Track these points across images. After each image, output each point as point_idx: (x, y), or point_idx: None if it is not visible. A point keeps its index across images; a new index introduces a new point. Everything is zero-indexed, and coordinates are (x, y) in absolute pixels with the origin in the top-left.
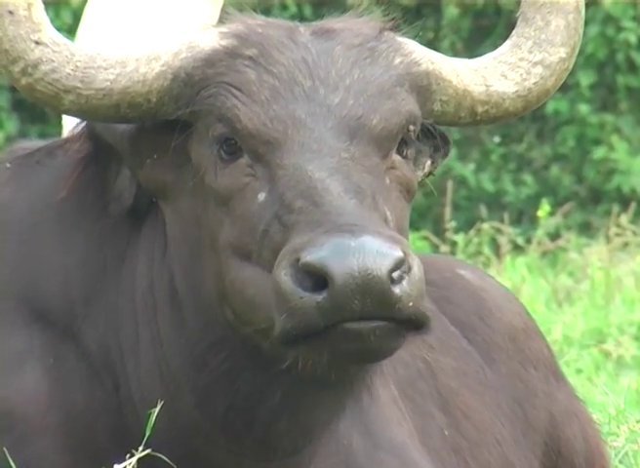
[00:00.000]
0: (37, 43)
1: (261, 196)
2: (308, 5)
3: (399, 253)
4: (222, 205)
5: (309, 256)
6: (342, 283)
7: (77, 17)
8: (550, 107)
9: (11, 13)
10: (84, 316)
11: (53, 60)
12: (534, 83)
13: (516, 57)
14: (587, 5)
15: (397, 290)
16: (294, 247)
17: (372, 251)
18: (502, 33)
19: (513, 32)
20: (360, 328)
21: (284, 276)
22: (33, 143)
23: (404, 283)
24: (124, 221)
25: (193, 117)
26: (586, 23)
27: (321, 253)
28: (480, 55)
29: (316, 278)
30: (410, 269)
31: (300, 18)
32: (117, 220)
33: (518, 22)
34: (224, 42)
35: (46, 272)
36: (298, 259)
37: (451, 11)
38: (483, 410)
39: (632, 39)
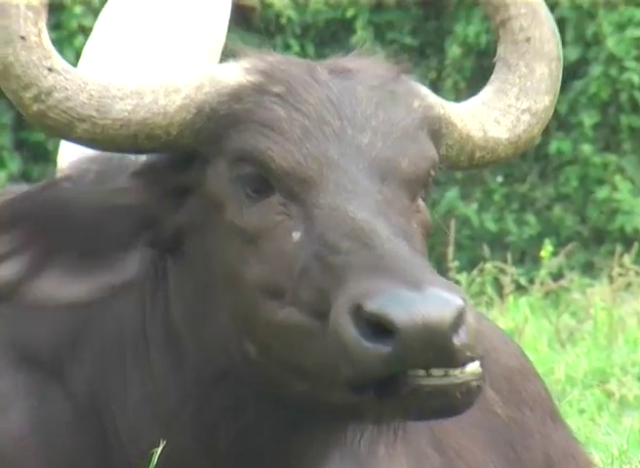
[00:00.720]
0: (50, 70)
1: (296, 235)
2: (311, 44)
3: (460, 302)
4: (249, 242)
5: (373, 306)
6: (408, 334)
7: (80, 56)
8: (553, 147)
9: (23, 38)
10: (71, 359)
11: (66, 88)
12: (523, 130)
13: (504, 103)
14: (591, 45)
15: (457, 339)
16: (353, 294)
17: (436, 300)
18: None
19: (494, 77)
20: (445, 384)
21: (346, 325)
22: (22, 188)
23: (462, 332)
24: None
25: (214, 152)
26: (590, 63)
27: (385, 302)
28: None
29: (379, 327)
30: (467, 317)
31: (304, 56)
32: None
33: (498, 67)
34: (251, 78)
35: (34, 316)
36: (359, 307)
37: (454, 50)
38: (476, 451)
39: (635, 79)
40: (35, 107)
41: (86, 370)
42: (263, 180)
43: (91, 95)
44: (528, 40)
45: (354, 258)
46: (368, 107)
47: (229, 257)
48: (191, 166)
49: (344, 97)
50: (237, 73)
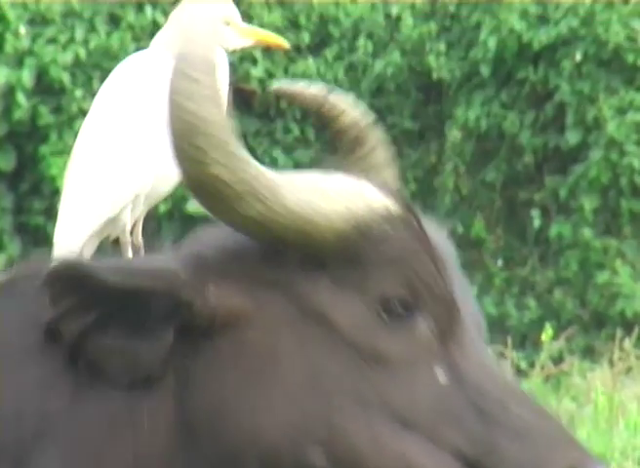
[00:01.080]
0: (239, 144)
1: (439, 371)
2: (311, 128)
3: None
4: (376, 362)
5: None
6: None
7: None
8: (554, 231)
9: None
10: (37, 449)
11: (254, 164)
12: None
13: None
14: (591, 129)
15: None
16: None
17: None
18: (505, 156)
19: None
20: None
21: None
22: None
23: None
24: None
25: (345, 264)
26: (590, 148)
27: None
28: (483, 179)
29: None
30: None
31: (304, 141)
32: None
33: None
34: (393, 205)
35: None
36: None
37: (454, 134)
38: None
39: (636, 164)
40: (216, 170)
41: (54, 462)
42: (408, 305)
43: (268, 177)
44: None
45: (535, 423)
46: (457, 267)
47: (329, 369)
48: (287, 262)
49: (451, 252)
50: (378, 195)
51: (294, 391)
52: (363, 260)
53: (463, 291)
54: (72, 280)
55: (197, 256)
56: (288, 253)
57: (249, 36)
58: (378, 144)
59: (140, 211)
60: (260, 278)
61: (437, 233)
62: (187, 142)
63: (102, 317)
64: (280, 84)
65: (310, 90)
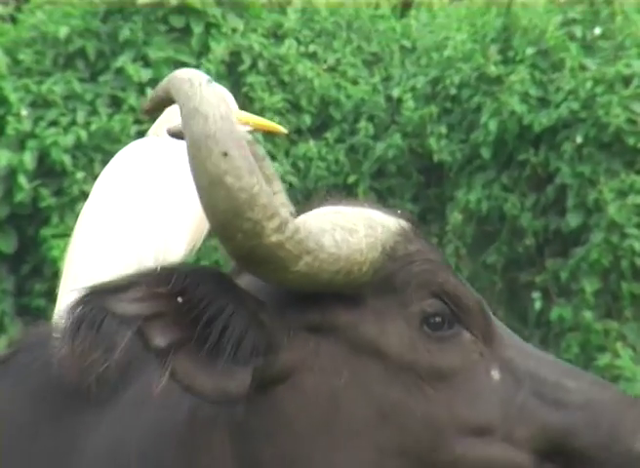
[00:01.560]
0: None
1: (496, 374)
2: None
3: None
4: (440, 380)
5: None
6: None
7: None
8: (555, 314)
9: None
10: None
11: (293, 221)
12: None
13: None
14: (592, 212)
15: None
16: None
17: None
18: (506, 239)
19: None
20: None
21: None
22: None
23: None
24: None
25: (378, 291)
26: (591, 230)
27: None
28: (484, 261)
29: None
30: None
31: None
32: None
33: None
34: (403, 222)
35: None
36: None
37: (455, 217)
38: None
39: (637, 246)
40: (275, 238)
41: None
42: (449, 318)
43: (305, 227)
44: None
45: (597, 395)
46: None
47: (393, 397)
48: (322, 306)
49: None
50: (387, 217)
51: (363, 429)
52: (396, 283)
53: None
54: (191, 283)
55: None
56: (326, 294)
57: (245, 122)
58: (265, 156)
59: None
60: (307, 323)
61: None
62: (242, 218)
63: (194, 336)
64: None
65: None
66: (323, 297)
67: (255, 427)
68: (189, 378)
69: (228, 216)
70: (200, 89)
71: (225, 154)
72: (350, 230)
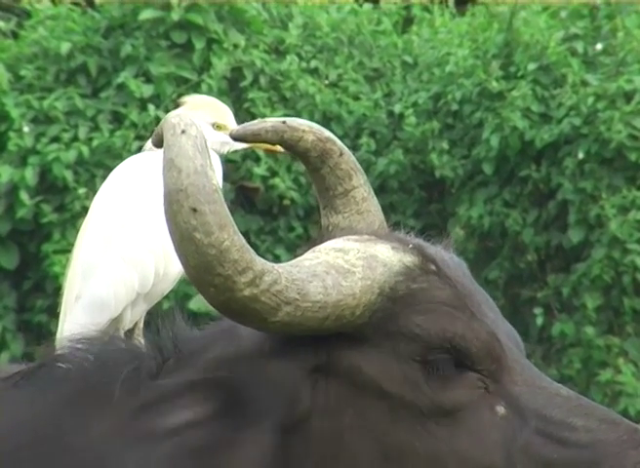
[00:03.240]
0: (253, 253)
1: (500, 409)
2: (314, 226)
3: None
4: (442, 416)
5: None
6: None
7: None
8: (556, 329)
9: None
10: None
11: (271, 271)
12: None
13: None
14: (593, 228)
15: None
16: None
17: None
18: (508, 254)
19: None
20: None
21: None
22: (19, 367)
23: None
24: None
25: (381, 332)
26: (592, 246)
27: None
28: (486, 277)
29: None
30: None
31: (307, 239)
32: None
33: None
34: (409, 258)
35: None
36: None
37: (457, 233)
38: None
39: (638, 262)
40: (248, 292)
41: None
42: (454, 362)
43: (286, 278)
44: (369, 211)
45: (603, 435)
46: (475, 282)
47: (397, 435)
48: (327, 347)
49: (466, 272)
50: (393, 253)
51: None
52: (399, 322)
53: (491, 308)
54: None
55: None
56: (327, 336)
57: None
58: (343, 151)
59: (142, 309)
60: (310, 367)
61: (449, 258)
62: (212, 274)
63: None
64: (237, 129)
65: (267, 123)
66: (324, 338)
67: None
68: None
69: (199, 271)
70: (179, 139)
71: (195, 210)
72: (346, 273)
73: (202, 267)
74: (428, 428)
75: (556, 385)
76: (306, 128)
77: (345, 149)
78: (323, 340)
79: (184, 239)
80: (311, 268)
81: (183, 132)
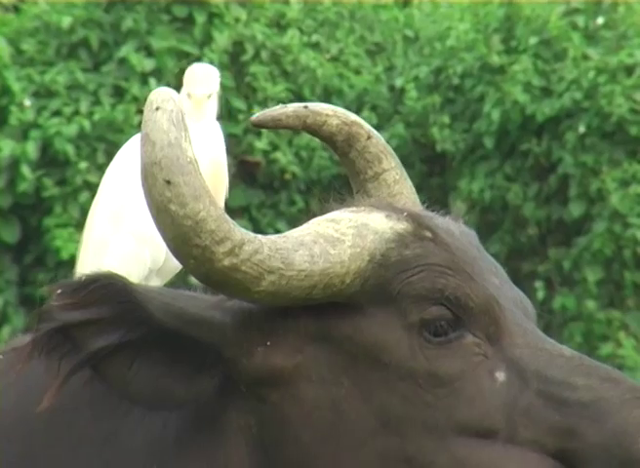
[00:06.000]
0: (233, 223)
1: (500, 375)
2: (316, 200)
3: None
4: (439, 386)
5: None
6: None
7: (84, 211)
8: (557, 303)
9: (208, 192)
10: None
11: (252, 241)
12: None
13: None
14: (594, 201)
15: None
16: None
17: None
18: (509, 228)
19: None
20: None
21: None
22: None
23: None
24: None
25: (376, 299)
26: (593, 220)
27: None
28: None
29: None
30: None
31: (308, 213)
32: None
33: None
34: (402, 225)
35: None
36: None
37: (458, 206)
38: None
39: (639, 235)
40: (227, 262)
41: None
42: (452, 322)
43: (269, 247)
44: (401, 193)
45: (605, 393)
46: (484, 251)
47: (394, 406)
48: (322, 312)
49: (473, 241)
50: (386, 221)
51: (367, 438)
52: (392, 291)
53: (497, 275)
54: (117, 294)
55: (242, 311)
56: (320, 304)
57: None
58: (371, 135)
59: (156, 285)
60: (303, 332)
61: (455, 227)
62: (190, 245)
63: (131, 342)
64: (257, 115)
65: (289, 109)
66: (317, 305)
67: (264, 437)
68: (120, 383)
69: (177, 243)
70: (154, 114)
71: (169, 182)
72: (335, 241)
73: (179, 239)
74: (425, 398)
75: (559, 346)
76: (330, 112)
77: (374, 132)
78: (311, 308)
79: (160, 211)
80: (299, 238)
81: (158, 108)
